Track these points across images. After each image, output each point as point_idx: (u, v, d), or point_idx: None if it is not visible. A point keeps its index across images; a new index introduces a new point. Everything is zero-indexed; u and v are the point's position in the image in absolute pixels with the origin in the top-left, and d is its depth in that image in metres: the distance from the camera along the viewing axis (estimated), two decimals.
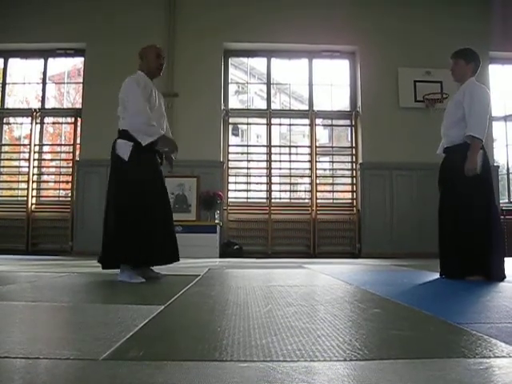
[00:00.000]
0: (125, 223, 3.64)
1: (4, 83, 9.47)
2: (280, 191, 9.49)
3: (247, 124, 10.39)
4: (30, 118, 9.08)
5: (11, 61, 9.57)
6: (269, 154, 9.12)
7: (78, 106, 9.31)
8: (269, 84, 9.58)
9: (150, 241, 3.67)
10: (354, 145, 9.23)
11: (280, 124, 9.68)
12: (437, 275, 4.15)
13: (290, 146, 9.75)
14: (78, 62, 9.75)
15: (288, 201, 9.45)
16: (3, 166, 9.44)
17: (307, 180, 9.33)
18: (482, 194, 3.86)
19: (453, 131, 4.02)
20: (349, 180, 9.30)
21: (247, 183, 9.25)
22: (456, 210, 3.87)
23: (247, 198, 9.22)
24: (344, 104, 9.72)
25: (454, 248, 3.85)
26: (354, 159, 9.17)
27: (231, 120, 9.46)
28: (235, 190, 9.25)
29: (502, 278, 3.74)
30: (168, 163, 4.06)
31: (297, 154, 9.57)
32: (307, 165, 9.27)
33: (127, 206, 3.67)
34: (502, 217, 8.71)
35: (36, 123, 9.09)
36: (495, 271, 3.75)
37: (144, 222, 3.66)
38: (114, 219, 3.67)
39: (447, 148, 4.09)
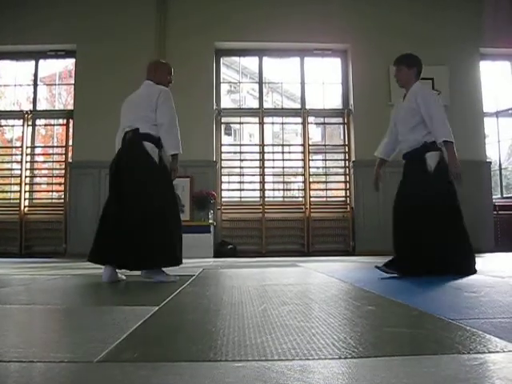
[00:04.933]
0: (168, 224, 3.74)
1: None
2: (273, 190, 9.49)
3: (240, 123, 10.38)
4: (21, 120, 9.04)
5: (1, 63, 9.54)
6: (262, 152, 9.12)
7: (70, 107, 9.29)
8: (261, 83, 9.58)
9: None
10: (346, 143, 9.24)
11: (272, 123, 9.70)
12: None
13: (282, 145, 9.75)
14: (69, 63, 9.72)
15: (281, 199, 9.46)
16: None
17: (300, 178, 9.34)
18: (441, 193, 3.90)
19: (411, 136, 4.08)
20: (342, 178, 9.32)
21: (240, 182, 9.25)
22: (418, 211, 3.87)
23: (240, 197, 9.22)
24: (336, 102, 9.74)
25: (415, 247, 3.84)
26: (346, 157, 9.19)
27: (224, 119, 9.46)
28: (228, 190, 9.25)
29: (472, 272, 3.82)
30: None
31: (290, 152, 9.58)
32: (300, 163, 9.28)
33: (165, 208, 3.75)
34: (495, 212, 8.78)
35: (28, 125, 9.05)
36: (463, 267, 3.83)
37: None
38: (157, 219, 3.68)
39: (407, 153, 4.16)
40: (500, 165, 9.68)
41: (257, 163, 9.25)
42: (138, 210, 3.66)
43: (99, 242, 3.71)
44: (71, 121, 8.98)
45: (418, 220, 3.85)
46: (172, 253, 3.71)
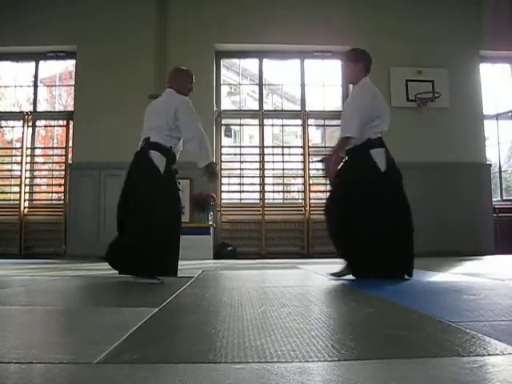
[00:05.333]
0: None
1: None
2: (273, 192, 9.49)
3: (240, 125, 10.39)
4: (21, 122, 9.03)
5: (2, 64, 9.53)
6: (261, 154, 9.12)
7: (70, 108, 9.28)
8: (261, 85, 9.58)
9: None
10: None
11: (272, 125, 9.70)
12: (430, 273, 4.16)
13: (282, 147, 9.76)
14: (69, 64, 9.73)
15: (281, 201, 9.45)
16: None
17: (300, 180, 9.33)
18: (389, 193, 3.83)
19: None
20: None
21: (240, 184, 9.25)
22: (366, 211, 3.79)
23: (240, 199, 9.22)
24: (336, 104, 9.73)
25: (367, 248, 3.76)
26: None
27: (224, 121, 9.45)
28: (228, 192, 9.25)
29: (404, 274, 3.77)
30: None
31: (289, 154, 9.57)
32: (300, 165, 9.28)
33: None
34: (495, 215, 8.78)
35: (28, 126, 9.04)
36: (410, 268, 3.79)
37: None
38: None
39: (350, 149, 4.04)
40: (500, 167, 9.68)
41: (257, 165, 9.24)
42: (139, 219, 3.73)
43: (111, 243, 3.84)
44: (71, 122, 8.97)
45: (370, 221, 3.76)
46: (166, 264, 3.75)
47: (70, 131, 8.99)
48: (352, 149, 4.00)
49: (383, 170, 3.86)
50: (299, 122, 9.38)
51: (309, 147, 9.23)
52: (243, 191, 9.27)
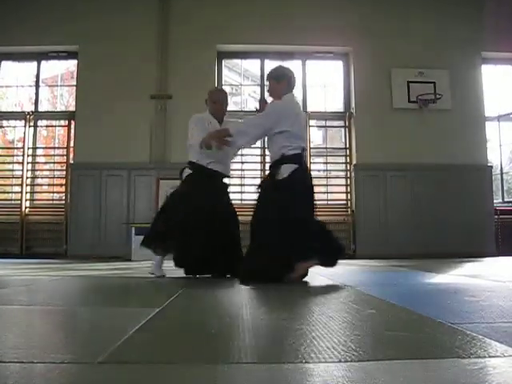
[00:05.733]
0: None
1: None
2: None
3: None
4: (23, 121, 9.03)
5: (4, 64, 9.53)
6: (263, 155, 9.11)
7: (72, 108, 9.28)
8: (262, 86, 9.57)
9: None
10: (347, 146, 9.23)
11: None
12: (431, 275, 4.17)
13: None
14: (71, 64, 9.73)
15: None
16: None
17: None
18: (284, 205, 3.87)
19: (270, 149, 4.13)
20: (343, 181, 9.29)
21: (241, 185, 9.24)
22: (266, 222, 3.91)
23: (241, 199, 9.21)
24: (338, 105, 9.73)
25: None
26: (348, 160, 9.17)
27: None
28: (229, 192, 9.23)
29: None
30: None
31: None
32: None
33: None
34: (496, 217, 8.77)
35: (29, 126, 9.05)
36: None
37: None
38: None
39: (270, 165, 4.16)
40: (501, 169, 9.67)
41: (258, 166, 9.24)
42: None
43: None
44: (73, 122, 8.97)
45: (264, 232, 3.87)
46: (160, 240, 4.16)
47: (72, 131, 8.99)
48: (271, 164, 4.14)
49: (279, 181, 3.91)
50: None
51: (310, 148, 9.22)
52: (244, 192, 9.26)
